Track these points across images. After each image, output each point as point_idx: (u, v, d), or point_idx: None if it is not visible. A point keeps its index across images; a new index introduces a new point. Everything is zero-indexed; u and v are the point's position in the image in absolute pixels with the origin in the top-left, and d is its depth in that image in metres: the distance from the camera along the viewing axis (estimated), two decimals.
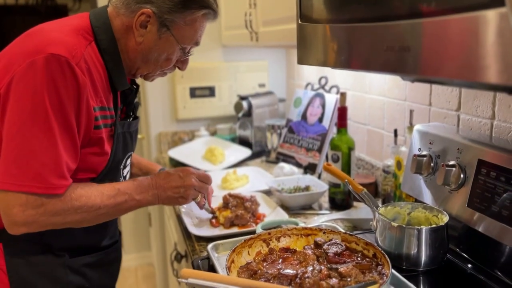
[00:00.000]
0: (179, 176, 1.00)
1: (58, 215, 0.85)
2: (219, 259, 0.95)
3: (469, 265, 0.94)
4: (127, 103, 1.02)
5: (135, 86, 1.06)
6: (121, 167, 1.02)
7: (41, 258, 0.93)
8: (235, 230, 1.14)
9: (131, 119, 1.04)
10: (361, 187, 1.00)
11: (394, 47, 0.62)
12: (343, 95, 1.28)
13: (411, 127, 1.16)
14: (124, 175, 1.05)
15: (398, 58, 0.62)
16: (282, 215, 1.19)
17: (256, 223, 1.16)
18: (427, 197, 1.03)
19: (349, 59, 0.74)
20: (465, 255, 0.96)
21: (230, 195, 1.23)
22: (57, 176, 0.83)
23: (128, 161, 1.07)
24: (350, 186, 0.99)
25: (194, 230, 1.11)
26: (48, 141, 0.81)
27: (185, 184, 1.01)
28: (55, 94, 0.81)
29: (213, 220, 1.18)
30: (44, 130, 0.81)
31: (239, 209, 1.18)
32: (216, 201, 1.28)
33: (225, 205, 1.21)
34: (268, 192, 1.43)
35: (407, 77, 0.75)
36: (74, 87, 0.83)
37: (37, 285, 0.92)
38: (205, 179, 1.07)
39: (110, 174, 0.98)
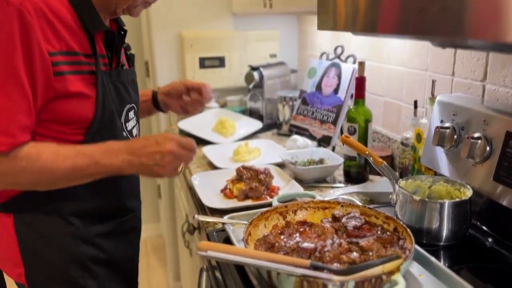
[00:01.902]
0: (155, 141, 0.86)
1: (6, 175, 0.80)
2: (235, 231, 0.93)
3: (490, 239, 0.92)
4: (113, 50, 0.94)
5: (122, 32, 0.98)
6: (122, 120, 0.95)
7: (51, 228, 0.90)
8: (249, 202, 1.12)
9: (122, 68, 0.97)
10: (381, 160, 0.98)
11: (429, 7, 0.58)
12: (361, 65, 1.24)
13: (433, 98, 1.11)
14: (128, 129, 0.98)
15: (433, 20, 0.58)
16: (297, 188, 1.17)
17: (271, 196, 1.15)
18: (448, 170, 1.00)
19: (377, 23, 0.70)
20: (487, 229, 0.94)
21: (244, 167, 1.21)
22: None
23: (131, 114, 1.00)
24: (371, 159, 0.96)
25: (208, 203, 1.10)
26: None
27: (161, 150, 0.85)
28: None
29: (227, 192, 1.17)
30: None
31: (253, 182, 1.17)
32: (229, 174, 1.26)
33: (239, 177, 1.19)
34: (281, 165, 1.41)
35: (439, 43, 0.70)
36: (17, 29, 0.76)
37: (48, 257, 0.91)
38: (188, 146, 0.89)
39: (105, 128, 0.90)
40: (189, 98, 1.16)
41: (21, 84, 0.78)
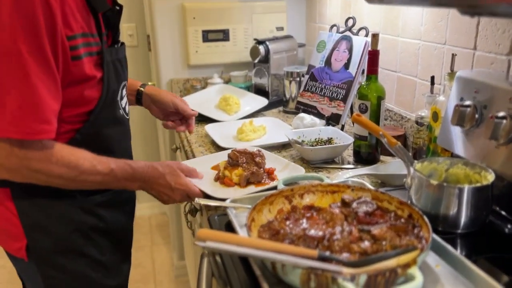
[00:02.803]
0: (169, 187, 1.00)
1: (41, 172, 0.84)
2: (237, 216, 0.90)
3: (510, 226, 0.87)
4: (111, 27, 0.97)
5: (117, 7, 0.99)
6: (118, 98, 0.99)
7: (51, 199, 0.93)
8: (251, 188, 1.07)
9: (119, 45, 0.99)
10: (395, 140, 0.93)
11: None
12: (375, 37, 1.16)
13: (452, 73, 1.04)
14: (123, 106, 1.02)
15: None
16: (298, 170, 1.12)
17: (272, 179, 1.10)
18: (467, 152, 0.95)
19: None
20: (507, 215, 0.89)
21: (238, 151, 1.14)
22: (37, 120, 0.79)
23: (124, 91, 1.03)
24: (385, 139, 0.90)
25: (210, 192, 1.04)
26: (22, 80, 0.76)
27: (171, 196, 1.01)
28: (26, 25, 0.74)
29: (226, 180, 1.10)
30: (17, 67, 0.76)
31: (251, 166, 1.11)
32: (211, 161, 1.20)
33: (235, 162, 1.12)
34: (286, 145, 1.36)
35: (466, 9, 0.63)
36: (46, 15, 0.77)
37: (50, 227, 0.93)
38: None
39: (107, 107, 0.95)
40: (172, 124, 1.28)
41: (52, 71, 0.80)
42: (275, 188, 1.00)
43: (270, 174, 1.13)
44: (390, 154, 1.24)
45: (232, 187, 1.08)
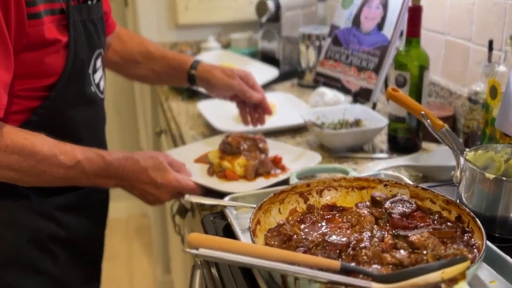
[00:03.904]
0: (155, 185, 1.01)
1: None
2: (239, 217, 0.92)
3: None
4: None
5: None
6: (90, 71, 1.00)
7: (1, 202, 0.94)
8: (261, 181, 1.07)
9: (94, 1, 1.00)
10: (441, 122, 0.94)
11: None
12: None
13: None
14: (96, 82, 1.03)
15: None
16: (315, 159, 1.13)
17: (282, 169, 1.12)
18: None
19: None
20: None
21: (240, 136, 1.15)
22: None
23: (99, 62, 1.04)
24: (428, 121, 0.91)
25: (212, 185, 1.05)
26: None
27: (158, 196, 1.03)
28: None
29: (228, 172, 1.10)
30: None
31: (254, 153, 1.12)
32: (205, 148, 1.21)
33: (235, 150, 1.12)
34: (301, 128, 1.36)
35: None
36: None
37: (1, 236, 0.95)
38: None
39: (74, 81, 0.95)
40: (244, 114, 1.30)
41: (2, 33, 0.80)
42: (287, 182, 1.01)
43: (277, 163, 1.14)
44: (435, 140, 1.25)
45: (236, 181, 1.09)
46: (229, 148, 1.13)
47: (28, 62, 0.87)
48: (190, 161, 1.17)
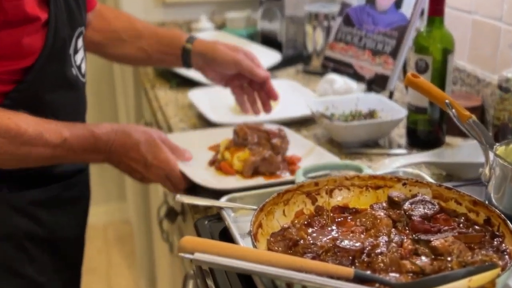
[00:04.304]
0: (144, 163, 1.05)
1: None
2: (237, 221, 0.92)
3: None
4: None
5: None
6: (71, 51, 1.02)
7: None
8: (259, 180, 1.09)
9: None
10: (467, 112, 0.94)
11: None
12: None
13: None
14: (77, 64, 1.05)
15: None
16: (329, 157, 1.14)
17: (292, 172, 1.13)
18: None
19: None
20: None
21: (248, 126, 1.17)
22: None
23: (80, 42, 1.06)
24: (453, 111, 0.93)
25: (199, 180, 1.06)
26: None
27: (145, 175, 1.08)
28: None
29: (223, 164, 1.13)
30: None
31: (265, 149, 1.13)
32: (221, 135, 1.23)
33: (241, 141, 1.15)
34: (308, 120, 1.37)
35: None
36: None
37: None
38: (177, 184, 1.09)
39: (53, 63, 0.97)
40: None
41: None
42: (292, 182, 1.02)
43: (291, 164, 1.15)
44: (461, 134, 1.25)
45: (231, 176, 1.11)
46: (236, 139, 1.16)
47: (4, 42, 0.89)
48: (204, 147, 1.22)
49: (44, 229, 1.04)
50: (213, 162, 1.16)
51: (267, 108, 1.31)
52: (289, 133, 1.24)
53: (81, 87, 1.08)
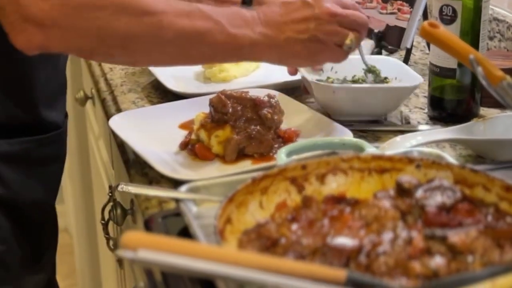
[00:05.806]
0: (302, 1, 1.08)
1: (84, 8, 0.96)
2: (202, 216, 0.93)
3: None
4: None
5: None
6: None
7: None
8: (247, 165, 1.11)
9: None
10: (500, 72, 0.96)
11: None
12: None
13: None
14: None
15: None
16: (340, 132, 1.16)
17: None
18: None
19: None
20: None
21: (227, 95, 1.18)
22: None
23: None
24: (480, 69, 0.94)
25: (166, 171, 1.08)
26: None
27: (315, 13, 1.08)
28: None
29: (198, 147, 1.15)
30: None
31: (250, 123, 1.15)
32: (196, 108, 1.25)
33: (220, 116, 1.16)
34: (295, 88, 1.39)
35: None
36: None
37: None
38: (352, 6, 1.13)
39: None
40: None
41: None
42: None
43: (287, 141, 1.17)
44: (499, 105, 1.27)
45: (210, 162, 1.13)
46: (213, 112, 1.16)
47: None
48: (173, 126, 1.24)
49: (8, 190, 1.10)
50: (185, 145, 1.18)
51: None
52: (283, 100, 1.26)
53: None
